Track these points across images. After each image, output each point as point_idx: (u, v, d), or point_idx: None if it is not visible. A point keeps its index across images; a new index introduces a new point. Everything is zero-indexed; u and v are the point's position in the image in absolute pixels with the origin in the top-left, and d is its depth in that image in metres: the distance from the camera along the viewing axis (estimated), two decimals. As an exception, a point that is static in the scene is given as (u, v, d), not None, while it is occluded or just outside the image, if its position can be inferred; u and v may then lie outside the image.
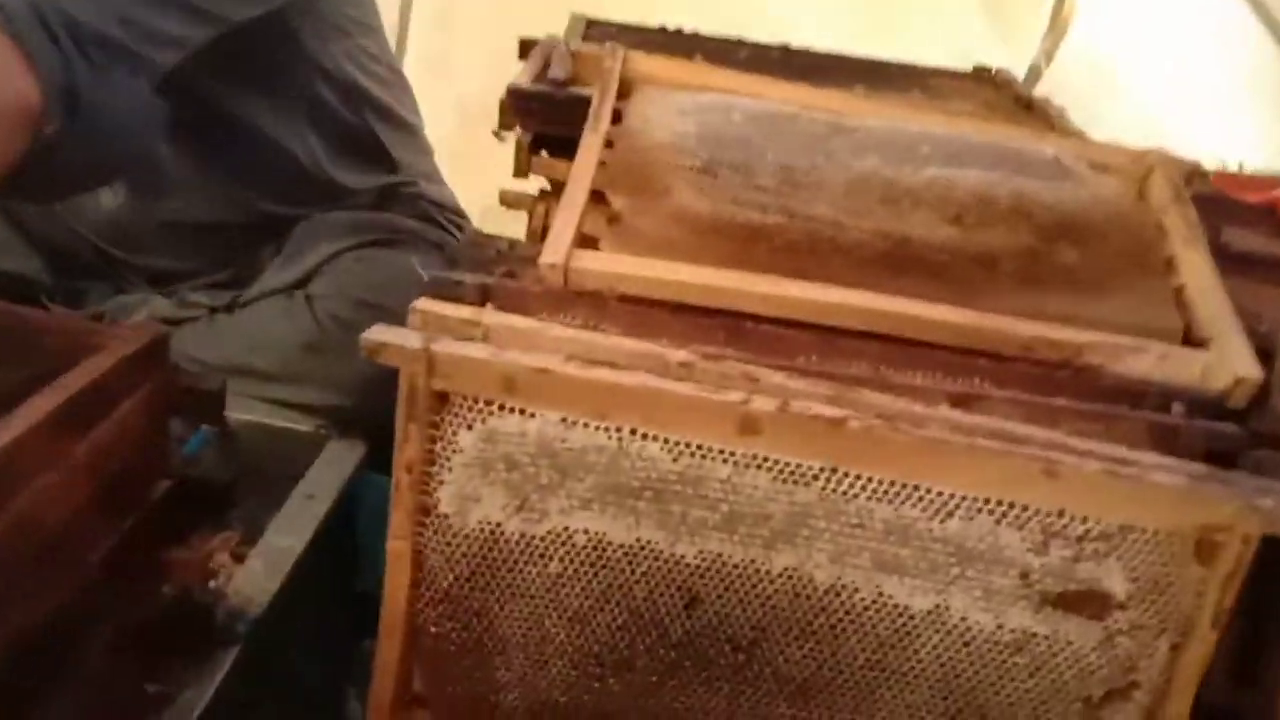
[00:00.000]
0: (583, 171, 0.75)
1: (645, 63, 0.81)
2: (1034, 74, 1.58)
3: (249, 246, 1.05)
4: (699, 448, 0.55)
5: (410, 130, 1.13)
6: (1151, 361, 0.67)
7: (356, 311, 0.96)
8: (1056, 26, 1.59)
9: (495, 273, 0.68)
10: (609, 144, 0.76)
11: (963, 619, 0.55)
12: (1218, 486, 0.54)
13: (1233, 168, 1.13)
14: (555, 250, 0.66)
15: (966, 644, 0.56)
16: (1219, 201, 0.93)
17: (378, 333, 0.56)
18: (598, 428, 0.55)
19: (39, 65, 0.65)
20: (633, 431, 0.55)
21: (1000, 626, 0.55)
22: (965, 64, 1.65)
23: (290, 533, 0.82)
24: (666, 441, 0.55)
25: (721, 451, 0.55)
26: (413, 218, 1.07)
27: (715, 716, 0.61)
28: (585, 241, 0.71)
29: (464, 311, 0.59)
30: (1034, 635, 0.55)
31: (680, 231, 0.71)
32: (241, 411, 0.95)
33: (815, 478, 0.54)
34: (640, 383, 0.54)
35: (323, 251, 0.99)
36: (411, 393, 0.55)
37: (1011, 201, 0.74)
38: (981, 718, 0.57)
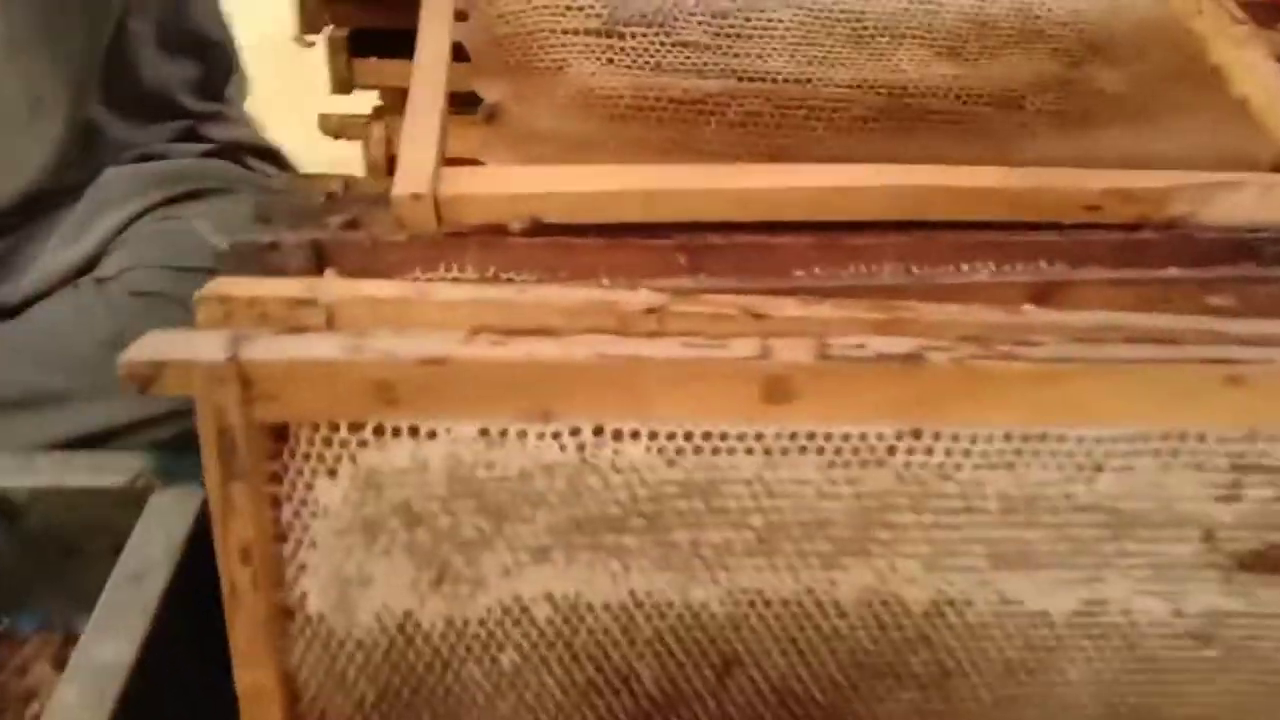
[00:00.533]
0: (432, 59, 0.52)
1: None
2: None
3: (14, 228, 0.77)
4: (705, 438, 0.35)
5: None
6: (1253, 199, 0.50)
7: (171, 282, 0.70)
8: None
9: (329, 225, 0.46)
10: (460, 16, 0.54)
11: (1124, 612, 0.38)
12: None
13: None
14: (413, 176, 0.44)
15: (1132, 646, 0.38)
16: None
17: (148, 347, 0.34)
18: (542, 435, 0.35)
19: None
20: (598, 431, 0.35)
21: (1178, 613, 0.38)
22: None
23: (113, 637, 0.59)
24: (653, 438, 0.35)
25: (741, 437, 0.35)
26: (226, 162, 0.80)
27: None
28: (454, 160, 0.50)
29: (289, 286, 0.37)
30: (1227, 616, 0.38)
31: (589, 121, 0.49)
32: (25, 476, 0.69)
33: (890, 451, 0.35)
34: (595, 352, 0.34)
35: (112, 219, 0.72)
36: (223, 436, 0.33)
37: (1017, 20, 0.55)
38: (1162, 742, 0.40)
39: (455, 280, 0.42)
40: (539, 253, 0.44)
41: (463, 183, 0.45)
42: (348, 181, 0.58)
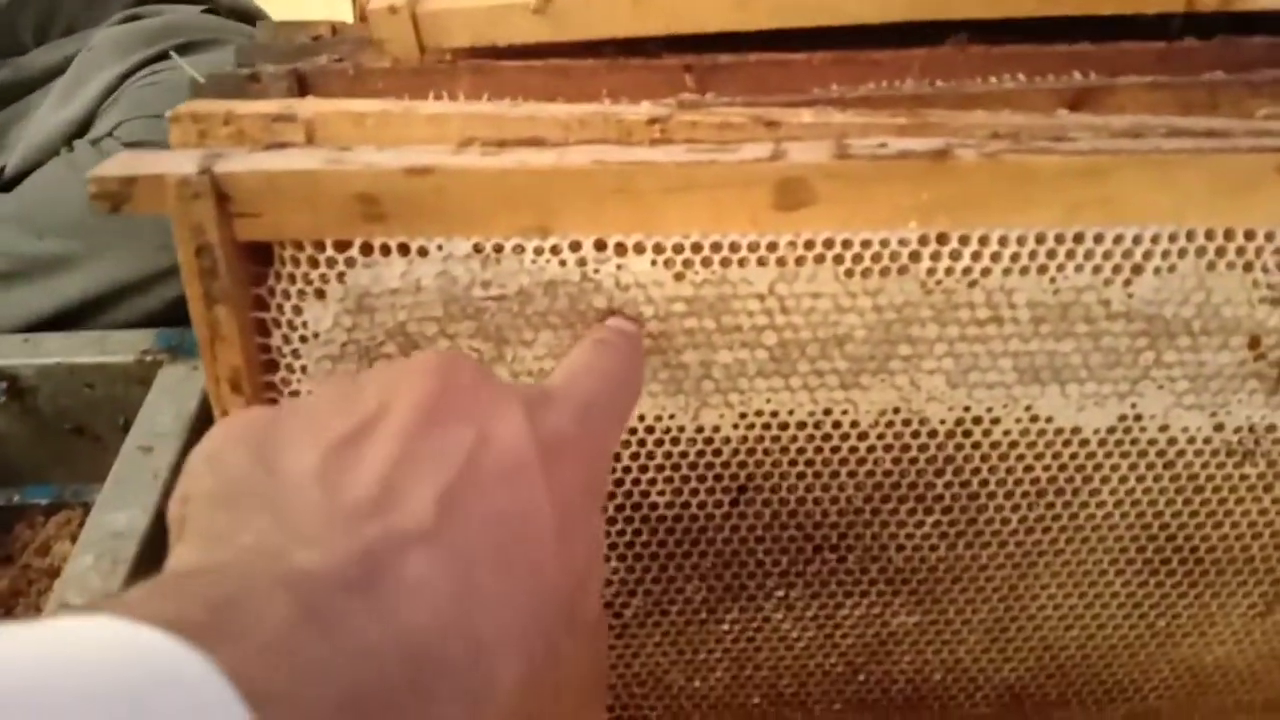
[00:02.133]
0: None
1: None
2: None
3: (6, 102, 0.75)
4: (715, 248, 0.32)
5: None
6: None
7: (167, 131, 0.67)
8: None
9: (314, 61, 0.43)
10: None
11: (1163, 429, 0.35)
12: None
13: None
14: (396, -9, 0.41)
15: (1170, 464, 0.36)
16: None
17: (119, 164, 0.31)
18: (540, 250, 0.32)
19: None
20: (599, 245, 0.32)
21: (1220, 427, 0.35)
22: None
23: (125, 506, 0.58)
24: (659, 251, 0.32)
25: (753, 247, 0.33)
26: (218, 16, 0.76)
27: (798, 653, 0.41)
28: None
29: (267, 106, 0.34)
30: (1270, 431, 0.36)
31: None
32: (33, 354, 0.68)
33: (913, 257, 0.33)
34: (594, 159, 0.31)
35: (103, 78, 0.69)
36: (202, 255, 0.31)
37: None
38: (1198, 567, 0.38)
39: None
40: (534, 77, 0.41)
41: None
42: (335, 26, 0.54)
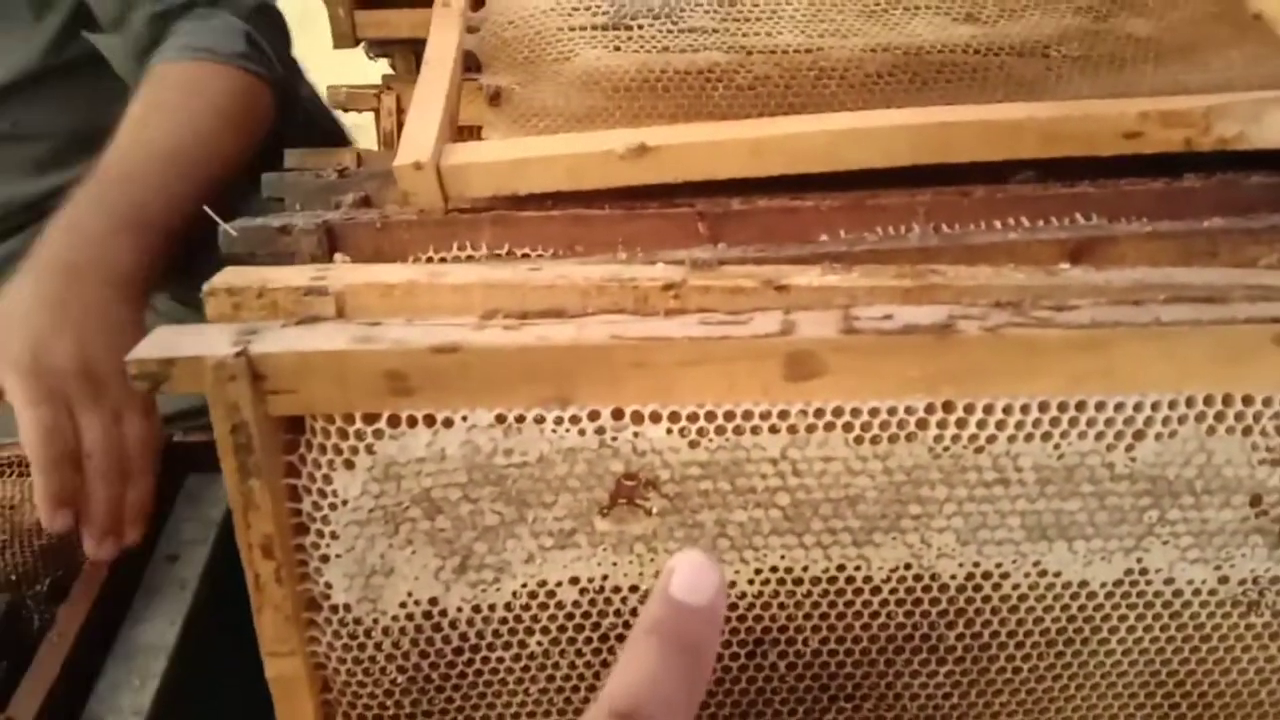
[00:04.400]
0: (444, 41, 0.50)
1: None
2: None
3: None
4: (728, 417, 0.33)
5: None
6: None
7: None
8: None
9: (340, 204, 0.44)
10: (471, 30, 0.52)
11: (1168, 582, 0.36)
12: None
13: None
14: (415, 145, 0.42)
15: (1176, 615, 0.36)
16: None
17: (157, 344, 0.32)
18: (560, 420, 0.33)
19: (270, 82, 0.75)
20: (617, 414, 0.33)
21: (1225, 580, 0.36)
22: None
23: (153, 618, 0.59)
24: (674, 419, 0.33)
25: (765, 415, 0.33)
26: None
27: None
28: (461, 133, 0.48)
29: (297, 275, 0.35)
30: (1274, 582, 0.36)
31: (597, 95, 0.47)
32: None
33: (920, 424, 0.33)
34: (611, 335, 0.32)
35: None
36: (238, 432, 0.32)
37: None
38: (1208, 712, 0.38)
39: (469, 258, 0.40)
40: (554, 226, 0.42)
41: (466, 153, 0.43)
42: (360, 155, 0.56)
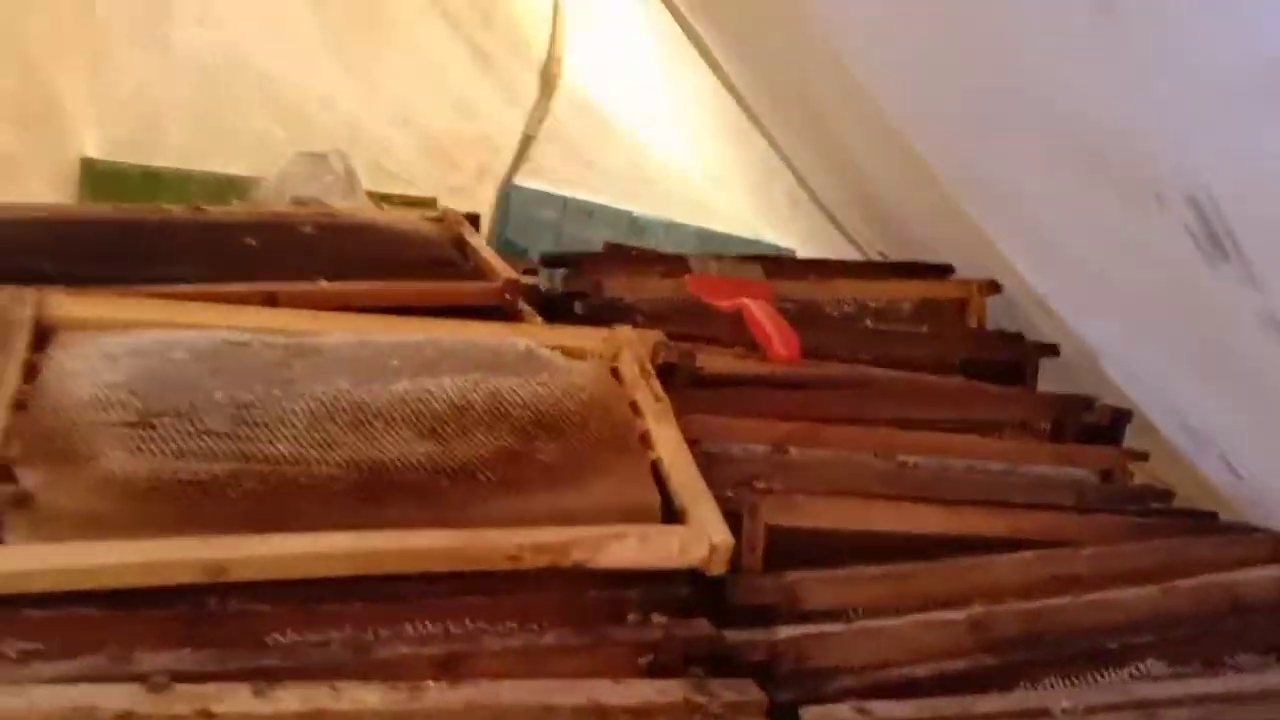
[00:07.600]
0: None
1: (67, 304, 0.69)
2: (532, 124, 1.68)
3: None
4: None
5: None
6: (634, 547, 0.64)
7: None
8: (547, 82, 1.71)
9: None
10: (19, 406, 0.63)
11: None
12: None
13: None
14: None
15: None
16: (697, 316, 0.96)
17: None
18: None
19: None
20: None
21: None
22: (466, 117, 1.65)
23: None
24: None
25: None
26: None
27: None
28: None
29: None
30: None
31: (110, 503, 0.58)
32: None
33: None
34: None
35: None
36: None
37: (488, 404, 0.69)
38: None
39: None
40: (55, 624, 0.52)
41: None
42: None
